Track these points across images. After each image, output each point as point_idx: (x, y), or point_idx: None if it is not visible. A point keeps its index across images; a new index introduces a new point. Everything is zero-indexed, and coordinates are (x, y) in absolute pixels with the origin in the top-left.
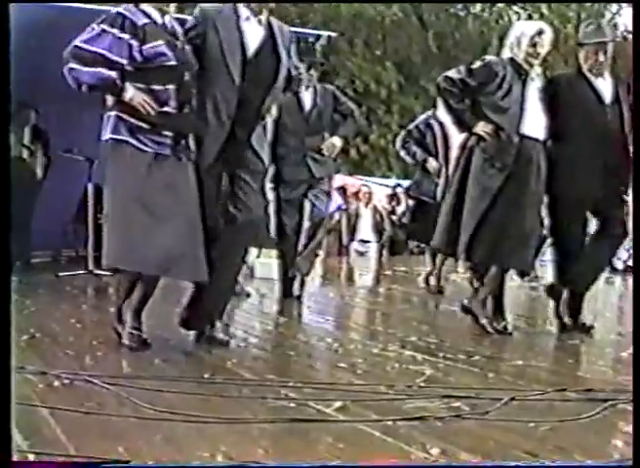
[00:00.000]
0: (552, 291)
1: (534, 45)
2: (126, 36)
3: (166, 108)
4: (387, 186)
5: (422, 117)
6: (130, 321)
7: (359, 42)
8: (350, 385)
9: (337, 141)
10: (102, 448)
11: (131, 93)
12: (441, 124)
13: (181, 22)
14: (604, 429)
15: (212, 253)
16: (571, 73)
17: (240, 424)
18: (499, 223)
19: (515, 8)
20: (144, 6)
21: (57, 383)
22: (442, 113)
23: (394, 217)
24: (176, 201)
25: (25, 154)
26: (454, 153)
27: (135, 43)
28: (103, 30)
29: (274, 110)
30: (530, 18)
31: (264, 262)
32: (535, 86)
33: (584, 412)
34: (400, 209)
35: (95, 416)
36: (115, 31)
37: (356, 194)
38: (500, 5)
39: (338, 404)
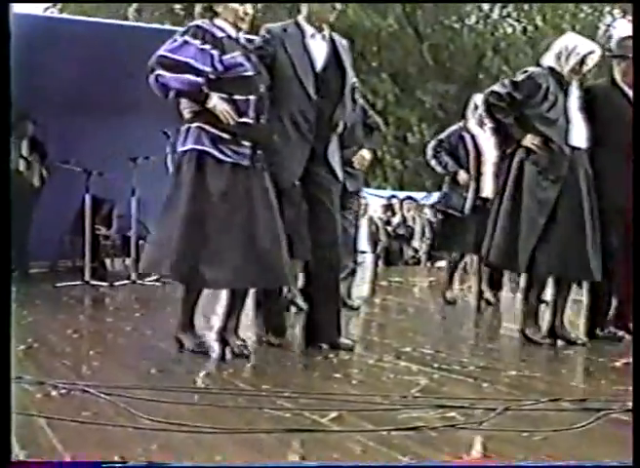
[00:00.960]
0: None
1: (581, 63)
2: (207, 47)
3: (245, 119)
4: (383, 197)
5: (453, 128)
6: (234, 338)
7: (355, 54)
8: (346, 395)
9: (366, 154)
10: (99, 457)
11: (214, 100)
12: (473, 136)
13: (250, 41)
14: (598, 439)
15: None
16: (605, 84)
17: (236, 434)
18: (560, 235)
19: (510, 20)
20: (218, 21)
21: (54, 393)
22: (474, 126)
23: (389, 228)
24: (256, 209)
25: (22, 166)
26: (487, 167)
27: (215, 53)
28: (186, 41)
29: (342, 123)
30: (525, 30)
31: None
32: (575, 96)
33: (578, 422)
34: (395, 219)
35: (91, 426)
36: (197, 42)
37: None
38: (494, 17)
39: (333, 414)
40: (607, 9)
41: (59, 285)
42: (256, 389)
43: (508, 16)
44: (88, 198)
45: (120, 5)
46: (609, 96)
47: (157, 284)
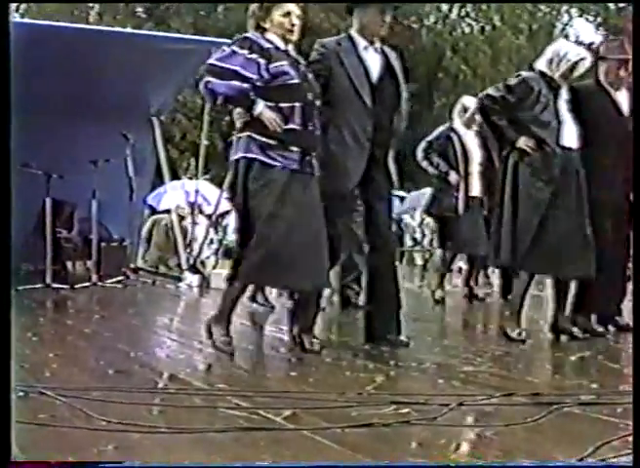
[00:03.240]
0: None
1: (571, 69)
2: (254, 56)
3: (291, 125)
4: None
5: (441, 129)
6: (308, 337)
7: None
8: (301, 393)
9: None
10: (54, 459)
11: (261, 107)
12: (460, 137)
13: (305, 57)
14: (550, 432)
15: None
16: (590, 84)
17: (191, 434)
18: (554, 235)
19: (468, 20)
20: (268, 34)
21: (11, 396)
22: (460, 126)
23: None
24: (308, 213)
25: None
26: (474, 167)
27: (262, 61)
28: (234, 51)
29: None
30: (482, 29)
31: (218, 273)
32: (564, 98)
33: (531, 416)
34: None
35: (48, 428)
36: (245, 52)
37: None
38: (453, 17)
39: (287, 412)
40: (564, 8)
41: (20, 288)
42: (211, 388)
43: (467, 15)
44: (48, 201)
45: (82, 8)
46: (593, 96)
47: (118, 286)
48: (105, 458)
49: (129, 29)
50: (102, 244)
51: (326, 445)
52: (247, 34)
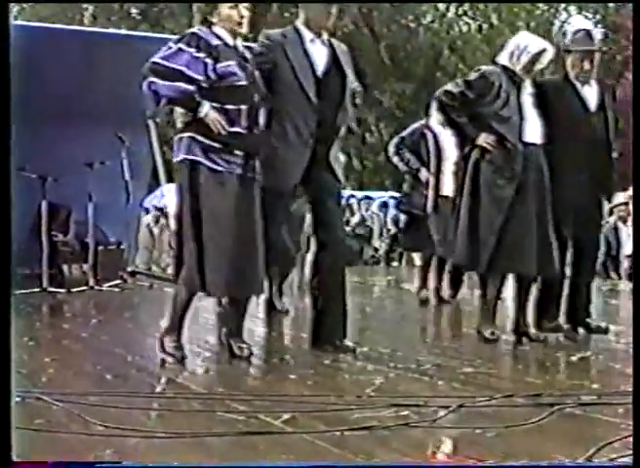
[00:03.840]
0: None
1: (533, 62)
2: (201, 55)
3: (236, 128)
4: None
5: (415, 126)
6: (237, 341)
7: None
8: (300, 397)
9: (341, 157)
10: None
11: (206, 109)
12: (434, 134)
13: (249, 49)
14: (551, 433)
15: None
16: (557, 79)
17: (190, 438)
18: (518, 233)
19: (465, 18)
20: (217, 28)
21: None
22: (436, 124)
23: (348, 229)
24: (247, 219)
25: None
26: (447, 165)
27: (209, 61)
28: (180, 49)
29: (344, 127)
30: (480, 28)
31: None
32: (528, 92)
33: (532, 418)
34: (354, 219)
35: (45, 434)
36: (192, 50)
37: None
38: (450, 16)
39: (286, 415)
40: (562, 5)
41: (16, 292)
42: (210, 392)
43: (464, 14)
44: (44, 204)
45: (76, 11)
46: (560, 91)
47: (115, 289)
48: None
49: (124, 31)
50: (99, 247)
51: (325, 448)
52: (194, 30)
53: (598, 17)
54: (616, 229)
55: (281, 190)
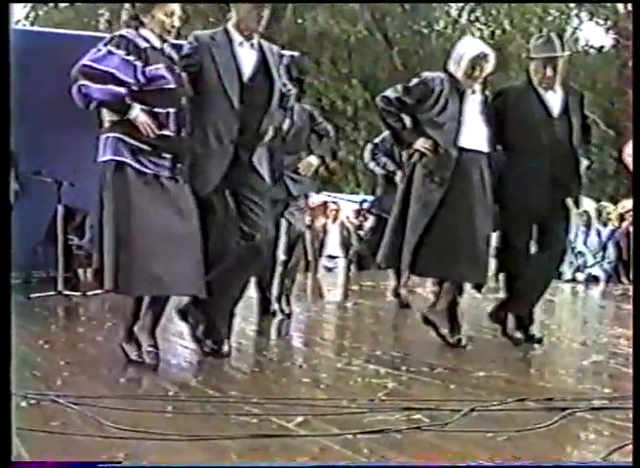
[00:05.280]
0: (496, 315)
1: (472, 67)
2: (131, 58)
3: (165, 131)
4: (354, 202)
5: (387, 133)
6: (146, 340)
7: (325, 60)
8: (313, 400)
9: (313, 161)
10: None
11: (136, 111)
12: None
13: (177, 48)
14: (562, 437)
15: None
16: (520, 85)
17: (203, 441)
18: (442, 236)
19: (478, 24)
20: (143, 31)
21: (23, 404)
22: None
23: (361, 233)
24: (175, 220)
25: None
26: None
27: (139, 64)
28: (110, 51)
29: (271, 130)
30: (492, 34)
31: None
32: (474, 99)
33: (544, 422)
34: (367, 224)
35: (60, 436)
36: (121, 53)
37: (324, 210)
38: (462, 21)
39: (299, 419)
40: (574, 12)
41: (32, 296)
42: (224, 395)
43: (477, 20)
44: (60, 208)
45: (91, 16)
46: (522, 97)
47: None
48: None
49: None
50: None
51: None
52: (122, 32)
53: (609, 23)
54: (628, 234)
55: (200, 194)
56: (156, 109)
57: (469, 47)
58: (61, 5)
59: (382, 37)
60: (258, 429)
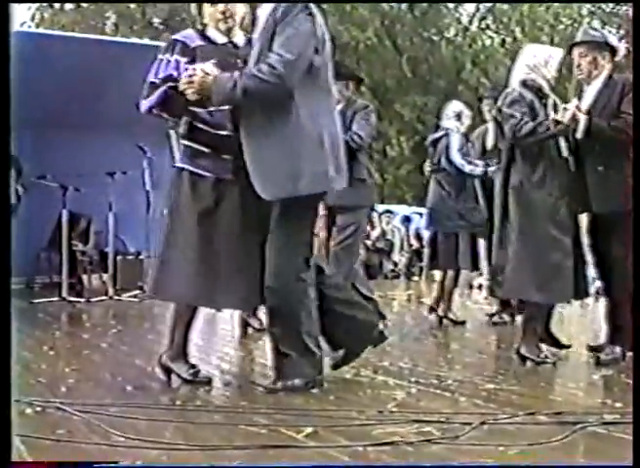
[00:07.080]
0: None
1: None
2: (177, 57)
3: (224, 131)
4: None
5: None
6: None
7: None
8: (321, 411)
9: None
10: None
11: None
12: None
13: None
14: (573, 452)
15: None
16: None
17: (211, 451)
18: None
19: (489, 32)
20: (209, 31)
21: (29, 411)
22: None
23: (368, 242)
24: (236, 226)
25: None
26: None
27: (183, 60)
28: (158, 58)
29: None
30: (503, 42)
31: None
32: None
33: (555, 436)
34: (374, 233)
35: (65, 443)
36: (167, 55)
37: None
38: (473, 29)
39: (308, 429)
40: (586, 19)
41: (35, 301)
42: (232, 405)
43: (487, 28)
44: (65, 213)
45: (98, 19)
46: None
47: (134, 300)
48: None
49: (146, 40)
50: (118, 257)
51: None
52: (176, 36)
53: (622, 32)
54: None
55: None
56: (211, 108)
57: (549, 51)
58: (67, 7)
59: (392, 44)
60: (267, 440)
